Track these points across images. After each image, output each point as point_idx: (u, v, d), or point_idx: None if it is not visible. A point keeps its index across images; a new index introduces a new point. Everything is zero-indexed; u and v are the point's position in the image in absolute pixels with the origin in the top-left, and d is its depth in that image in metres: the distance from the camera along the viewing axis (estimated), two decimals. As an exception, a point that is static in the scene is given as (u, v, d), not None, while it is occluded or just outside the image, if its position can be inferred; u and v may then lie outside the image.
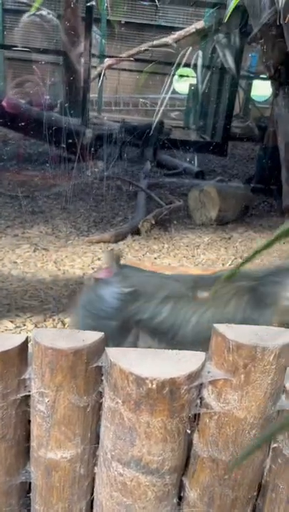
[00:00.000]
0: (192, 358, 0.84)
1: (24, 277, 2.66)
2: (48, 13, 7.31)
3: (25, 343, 0.85)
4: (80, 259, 2.98)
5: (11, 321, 2.19)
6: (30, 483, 0.96)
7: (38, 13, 7.31)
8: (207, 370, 0.85)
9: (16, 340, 0.84)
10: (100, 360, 0.86)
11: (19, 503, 0.96)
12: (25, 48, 7.13)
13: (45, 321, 2.23)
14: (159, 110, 4.48)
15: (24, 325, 2.18)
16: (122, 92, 9.64)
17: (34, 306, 2.35)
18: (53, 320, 2.25)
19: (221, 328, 0.84)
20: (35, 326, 2.18)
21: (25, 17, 7.55)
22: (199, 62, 6.02)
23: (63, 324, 2.23)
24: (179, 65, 5.30)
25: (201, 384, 0.85)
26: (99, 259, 3.01)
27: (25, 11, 7.92)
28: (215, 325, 0.85)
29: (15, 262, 2.85)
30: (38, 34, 8.16)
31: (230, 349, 0.82)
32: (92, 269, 2.84)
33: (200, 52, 6.11)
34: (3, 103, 5.01)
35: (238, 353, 0.82)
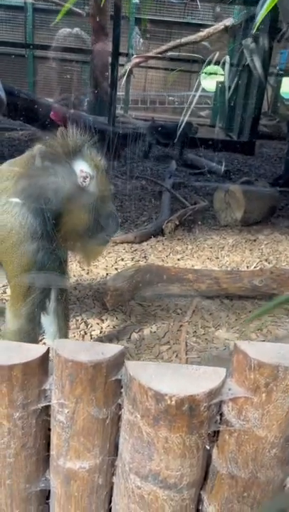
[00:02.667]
0: (213, 375, 0.83)
1: (48, 277, 2.69)
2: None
3: (47, 354, 0.86)
4: (103, 259, 2.99)
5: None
6: (49, 490, 0.97)
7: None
8: (228, 387, 0.84)
9: (38, 351, 0.85)
10: (120, 373, 0.86)
11: (38, 510, 0.97)
12: (54, 47, 7.20)
13: (68, 321, 2.25)
14: (187, 109, 4.44)
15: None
16: (149, 90, 9.62)
17: (58, 307, 2.38)
18: (77, 320, 2.27)
19: (242, 345, 0.83)
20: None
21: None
22: (227, 60, 5.94)
23: (86, 325, 2.25)
24: (209, 62, 5.25)
25: (221, 401, 0.84)
26: (122, 259, 3.02)
27: (56, 11, 7.98)
28: (237, 342, 0.84)
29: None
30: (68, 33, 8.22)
31: (252, 367, 0.80)
32: (116, 269, 2.85)
33: (227, 58, 6.04)
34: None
35: (259, 371, 0.80)
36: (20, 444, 0.88)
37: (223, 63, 6.03)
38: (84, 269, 2.82)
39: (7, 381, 0.81)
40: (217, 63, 6.29)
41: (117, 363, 0.84)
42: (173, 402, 0.78)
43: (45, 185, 1.38)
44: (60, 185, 1.38)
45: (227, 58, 5.82)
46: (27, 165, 1.43)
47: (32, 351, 0.84)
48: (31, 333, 1.49)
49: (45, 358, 0.85)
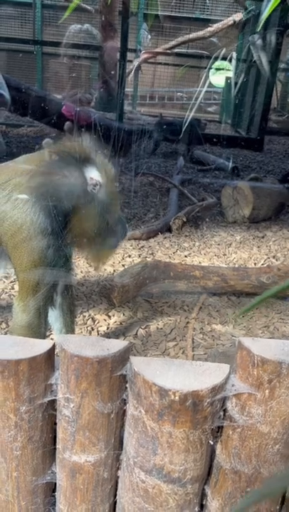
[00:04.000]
0: (216, 371, 0.84)
1: (56, 273, 2.71)
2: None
3: (53, 348, 0.87)
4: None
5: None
6: (55, 483, 0.99)
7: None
8: (231, 383, 0.84)
9: (44, 346, 0.86)
10: (125, 368, 0.87)
11: (44, 502, 0.99)
12: (63, 43, 7.20)
13: (76, 317, 2.27)
14: (194, 105, 4.43)
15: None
16: (157, 86, 9.59)
17: (65, 303, 2.40)
18: (84, 316, 2.29)
19: (246, 342, 0.83)
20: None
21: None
22: (234, 56, 5.90)
23: (93, 321, 2.26)
24: (216, 58, 5.22)
25: (225, 397, 0.85)
26: (129, 256, 3.03)
27: (65, 7, 7.97)
28: (240, 338, 0.84)
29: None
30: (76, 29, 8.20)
31: (255, 364, 0.81)
32: (123, 265, 2.86)
33: (234, 53, 6.00)
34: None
35: (263, 368, 0.81)
36: (26, 437, 0.89)
37: (230, 59, 5.99)
38: (91, 266, 2.83)
39: (14, 375, 0.83)
40: (225, 59, 6.26)
41: (122, 358, 0.85)
42: (177, 398, 0.79)
43: (56, 185, 1.42)
44: (70, 188, 1.42)
45: (234, 54, 5.78)
46: (40, 163, 1.46)
47: (38, 346, 0.86)
48: (40, 328, 1.50)
49: (51, 353, 0.87)
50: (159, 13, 8.11)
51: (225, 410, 0.87)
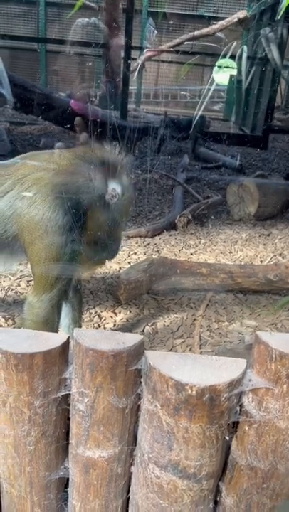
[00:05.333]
0: (233, 365, 0.83)
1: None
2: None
3: (67, 342, 0.86)
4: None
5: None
6: (68, 478, 0.98)
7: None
8: (248, 378, 0.83)
9: (59, 339, 0.85)
10: (140, 362, 0.86)
11: (57, 498, 0.98)
12: (67, 40, 7.19)
13: (83, 313, 2.26)
14: (201, 103, 4.40)
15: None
16: (161, 84, 9.56)
17: (72, 300, 2.39)
18: (90, 313, 2.28)
19: (264, 336, 0.82)
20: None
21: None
22: (245, 50, 5.85)
23: (100, 318, 2.25)
24: (224, 56, 5.19)
25: (242, 392, 0.84)
26: (135, 253, 3.02)
27: (69, 5, 7.95)
28: (258, 332, 0.83)
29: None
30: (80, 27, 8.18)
31: (274, 358, 0.80)
32: (129, 263, 2.85)
33: (244, 47, 5.95)
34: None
35: (281, 362, 0.80)
36: (40, 432, 0.88)
37: (239, 56, 5.94)
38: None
39: (28, 369, 0.82)
40: (232, 57, 6.22)
41: (137, 352, 0.84)
42: (194, 392, 0.78)
43: (78, 186, 1.44)
44: (90, 192, 1.45)
45: (245, 48, 5.73)
46: (66, 162, 1.48)
47: (52, 340, 0.85)
48: (54, 322, 1.50)
49: (65, 347, 0.86)
50: (164, 10, 8.08)
51: (241, 405, 0.86)
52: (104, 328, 2.18)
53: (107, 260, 1.75)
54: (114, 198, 1.49)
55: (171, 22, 8.49)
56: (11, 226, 1.48)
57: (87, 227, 1.50)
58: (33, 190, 1.44)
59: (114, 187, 1.49)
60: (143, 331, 2.18)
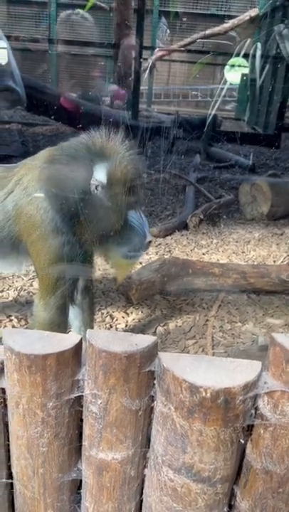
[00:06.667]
0: (248, 368, 0.81)
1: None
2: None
3: (80, 344, 0.86)
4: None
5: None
6: (80, 480, 0.97)
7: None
8: (263, 380, 0.82)
9: (71, 340, 0.85)
10: (153, 364, 0.85)
11: (70, 499, 0.98)
12: (77, 41, 7.21)
13: (95, 314, 2.26)
14: (215, 102, 4.37)
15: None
16: (172, 84, 9.54)
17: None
18: (102, 313, 2.28)
19: (279, 338, 0.80)
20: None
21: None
22: (259, 47, 5.79)
23: (112, 318, 2.25)
24: (238, 54, 5.15)
25: (257, 394, 0.82)
26: (146, 253, 3.01)
27: (79, 5, 7.98)
28: (273, 334, 0.82)
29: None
30: (90, 27, 8.20)
31: (290, 360, 0.78)
32: (140, 263, 2.84)
33: (258, 44, 5.89)
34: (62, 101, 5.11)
35: (297, 364, 0.78)
36: (53, 433, 0.88)
37: (253, 55, 5.88)
38: (108, 263, 2.82)
39: (41, 370, 0.81)
40: (245, 56, 6.18)
41: (150, 354, 0.84)
42: (208, 395, 0.77)
43: (61, 181, 1.36)
44: (72, 185, 1.34)
45: (258, 45, 5.67)
46: (49, 159, 1.43)
47: (65, 341, 0.84)
48: (61, 325, 1.49)
49: (78, 348, 0.85)
50: (175, 9, 8.06)
51: (256, 408, 0.84)
52: (116, 329, 2.17)
53: (136, 257, 1.53)
54: (98, 187, 1.33)
55: (182, 21, 8.47)
56: (14, 228, 1.48)
57: (84, 224, 1.38)
58: (29, 190, 1.43)
59: (97, 176, 1.33)
60: (155, 331, 2.17)
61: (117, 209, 1.36)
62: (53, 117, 5.49)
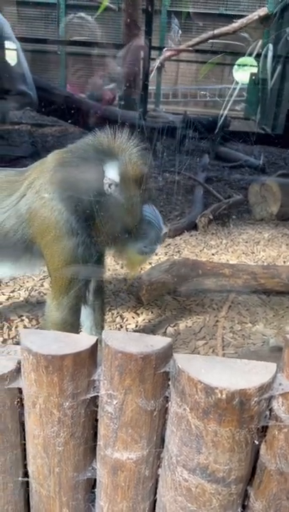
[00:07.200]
0: (263, 369, 0.82)
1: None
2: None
3: (96, 344, 0.87)
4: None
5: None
6: (95, 479, 0.98)
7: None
8: (278, 382, 0.82)
9: (88, 341, 0.86)
10: (168, 365, 0.86)
11: (85, 498, 0.99)
12: (85, 42, 7.23)
13: (105, 314, 2.27)
14: (227, 102, 4.36)
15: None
16: (180, 84, 9.54)
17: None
18: (112, 314, 2.29)
19: (294, 339, 0.81)
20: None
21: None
22: (270, 48, 5.77)
23: (122, 318, 2.26)
24: (250, 54, 5.14)
25: (271, 396, 0.83)
26: (156, 253, 3.02)
27: (88, 6, 8.00)
28: (288, 336, 0.82)
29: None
30: (98, 28, 8.23)
31: (305, 362, 0.79)
32: (150, 263, 2.85)
33: (270, 45, 5.86)
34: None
35: (312, 366, 0.78)
36: (69, 433, 0.89)
37: (265, 55, 5.86)
38: (118, 264, 2.83)
39: (58, 371, 0.83)
40: (256, 56, 6.16)
41: (165, 355, 0.84)
42: (224, 396, 0.78)
43: (74, 182, 1.38)
44: (85, 186, 1.37)
45: (270, 46, 5.65)
46: (59, 162, 1.44)
47: (82, 342, 0.85)
48: (74, 325, 1.51)
49: (94, 349, 0.86)
50: (184, 10, 8.05)
51: (271, 410, 0.85)
52: (127, 329, 2.18)
53: (151, 251, 1.54)
54: (112, 185, 1.35)
55: (191, 21, 8.45)
56: (27, 230, 1.49)
57: (99, 224, 1.41)
58: (41, 194, 1.45)
59: (110, 174, 1.35)
60: (165, 332, 2.18)
61: (133, 205, 1.39)
62: (61, 118, 5.52)
